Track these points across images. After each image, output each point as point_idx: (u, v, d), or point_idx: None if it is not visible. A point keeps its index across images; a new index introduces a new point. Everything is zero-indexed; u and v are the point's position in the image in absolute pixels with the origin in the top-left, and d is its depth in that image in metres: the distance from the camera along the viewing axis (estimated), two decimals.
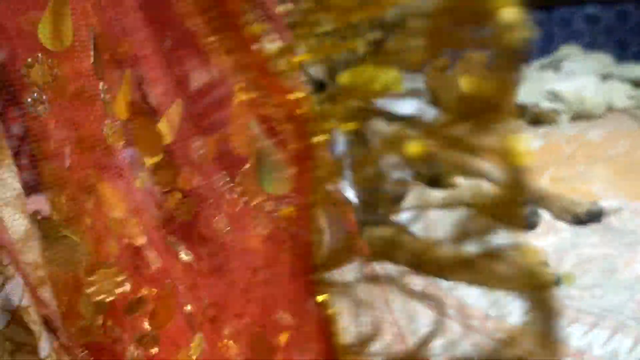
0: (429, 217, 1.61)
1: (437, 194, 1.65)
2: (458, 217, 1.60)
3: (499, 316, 1.07)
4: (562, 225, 1.42)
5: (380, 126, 1.91)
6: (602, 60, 2.65)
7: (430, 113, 2.43)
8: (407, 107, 2.46)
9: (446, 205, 1.71)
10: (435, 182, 1.72)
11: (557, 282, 1.15)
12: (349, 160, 1.60)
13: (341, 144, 1.43)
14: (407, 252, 1.33)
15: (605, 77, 2.42)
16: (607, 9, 2.98)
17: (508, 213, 1.48)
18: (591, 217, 1.40)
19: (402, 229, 1.38)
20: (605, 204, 1.46)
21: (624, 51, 2.94)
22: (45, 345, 0.51)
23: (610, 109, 2.31)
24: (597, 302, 1.08)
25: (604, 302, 1.08)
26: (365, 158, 1.82)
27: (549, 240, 1.35)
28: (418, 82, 3.12)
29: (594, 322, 1.02)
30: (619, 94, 2.32)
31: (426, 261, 1.29)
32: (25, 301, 0.51)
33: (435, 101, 2.73)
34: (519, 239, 1.35)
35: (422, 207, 1.67)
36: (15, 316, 0.50)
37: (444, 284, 1.23)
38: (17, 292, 0.50)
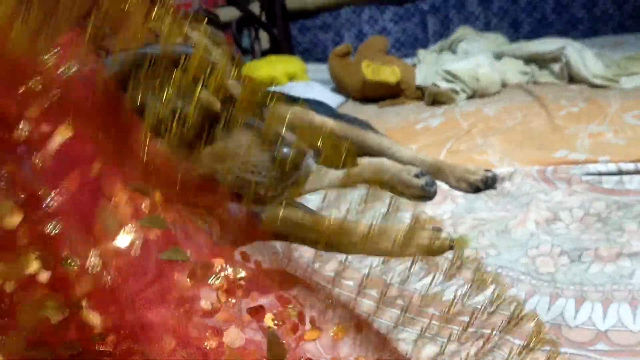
0: (331, 196, 1.59)
1: (339, 173, 1.63)
2: (359, 194, 1.58)
3: (399, 283, 1.05)
4: (458, 193, 1.42)
5: (280, 110, 1.86)
6: (496, 39, 2.72)
7: (336, 99, 2.40)
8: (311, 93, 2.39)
9: (348, 183, 1.69)
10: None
11: (451, 245, 1.14)
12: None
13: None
14: (307, 230, 1.30)
15: (499, 55, 2.49)
16: None
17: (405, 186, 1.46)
18: (486, 183, 1.41)
19: (303, 208, 1.35)
20: (499, 171, 1.48)
21: (517, 31, 3.05)
22: None
23: (505, 85, 2.37)
24: (492, 261, 1.08)
25: (498, 260, 1.08)
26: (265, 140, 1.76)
27: (446, 208, 1.35)
28: (323, 70, 3.06)
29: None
30: (513, 70, 2.39)
31: (326, 237, 1.26)
32: None
33: (340, 87, 2.71)
34: (414, 209, 1.33)
35: (325, 187, 1.65)
36: None
37: (342, 257, 1.20)
38: None
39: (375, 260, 1.16)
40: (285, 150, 0.90)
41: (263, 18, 3.58)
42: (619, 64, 2.23)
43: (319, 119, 1.66)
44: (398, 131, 2.05)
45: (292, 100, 1.73)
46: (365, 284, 1.07)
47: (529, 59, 2.42)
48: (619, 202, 1.23)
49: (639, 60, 2.22)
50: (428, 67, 2.54)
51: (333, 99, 2.51)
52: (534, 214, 1.23)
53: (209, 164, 0.92)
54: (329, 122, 1.65)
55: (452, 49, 2.72)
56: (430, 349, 0.86)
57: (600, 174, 1.39)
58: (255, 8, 3.57)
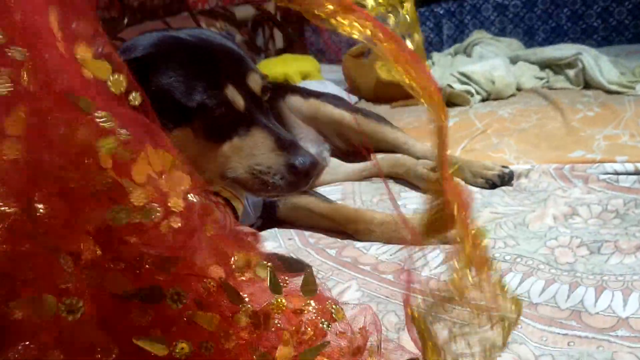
0: (346, 188, 1.59)
1: (354, 166, 1.64)
2: (375, 187, 1.57)
3: (413, 269, 1.06)
4: (475, 189, 1.42)
5: (296, 102, 1.87)
6: (511, 44, 2.73)
7: (349, 99, 2.39)
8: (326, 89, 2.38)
9: (364, 176, 1.69)
10: (351, 155, 1.70)
11: None
12: None
13: None
14: (322, 217, 1.30)
15: (514, 60, 2.49)
16: None
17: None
18: (502, 179, 1.41)
19: (320, 197, 1.36)
20: (515, 168, 1.48)
21: (532, 39, 3.05)
22: None
23: (520, 89, 2.37)
24: (510, 251, 1.08)
25: (517, 250, 1.08)
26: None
27: None
28: (336, 71, 3.06)
29: (507, 268, 1.01)
30: (528, 75, 2.39)
31: (342, 224, 1.27)
32: None
33: (353, 88, 2.71)
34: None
35: (341, 180, 1.66)
36: None
37: (359, 244, 1.20)
38: None
39: (394, 248, 1.16)
40: (300, 159, 0.90)
41: (278, 17, 3.60)
42: (634, 72, 2.23)
43: (337, 111, 1.67)
44: (411, 130, 2.05)
45: (310, 94, 1.74)
46: (382, 269, 1.08)
47: (544, 65, 2.42)
48: (637, 200, 1.24)
49: None
50: (443, 69, 2.55)
51: (346, 99, 2.52)
52: (552, 209, 1.23)
53: (226, 159, 0.93)
54: (346, 115, 1.66)
55: (467, 52, 2.73)
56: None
57: (617, 173, 1.39)
58: (270, 7, 3.58)
